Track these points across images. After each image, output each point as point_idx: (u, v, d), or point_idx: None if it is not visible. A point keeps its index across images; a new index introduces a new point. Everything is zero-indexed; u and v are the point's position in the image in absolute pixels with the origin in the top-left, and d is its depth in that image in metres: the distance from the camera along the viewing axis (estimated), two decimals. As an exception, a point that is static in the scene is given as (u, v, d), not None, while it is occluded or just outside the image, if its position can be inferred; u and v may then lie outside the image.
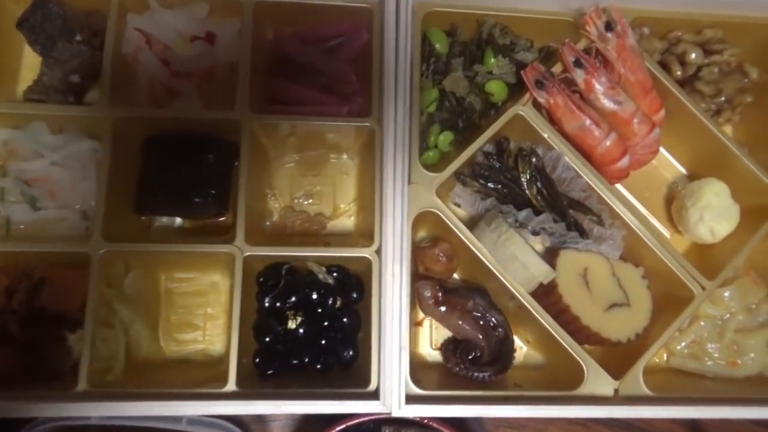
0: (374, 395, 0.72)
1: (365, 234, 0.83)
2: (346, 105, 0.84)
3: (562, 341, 0.76)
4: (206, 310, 0.83)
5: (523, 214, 0.78)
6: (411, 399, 0.72)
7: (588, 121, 0.78)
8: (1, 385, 0.72)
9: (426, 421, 0.74)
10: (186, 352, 0.82)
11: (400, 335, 0.72)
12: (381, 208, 0.76)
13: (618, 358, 0.79)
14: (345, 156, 0.88)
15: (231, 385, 0.71)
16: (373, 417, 0.75)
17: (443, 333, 0.84)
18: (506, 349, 0.80)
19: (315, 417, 0.84)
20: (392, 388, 0.71)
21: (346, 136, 0.84)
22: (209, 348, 0.82)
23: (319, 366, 0.78)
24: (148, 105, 0.83)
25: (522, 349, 0.85)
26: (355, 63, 0.86)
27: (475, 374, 0.77)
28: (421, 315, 0.84)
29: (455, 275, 0.85)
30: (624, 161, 0.80)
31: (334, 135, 0.84)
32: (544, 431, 0.87)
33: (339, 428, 0.74)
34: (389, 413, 0.71)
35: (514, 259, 0.76)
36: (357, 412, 0.71)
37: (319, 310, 0.78)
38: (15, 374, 0.73)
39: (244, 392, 0.71)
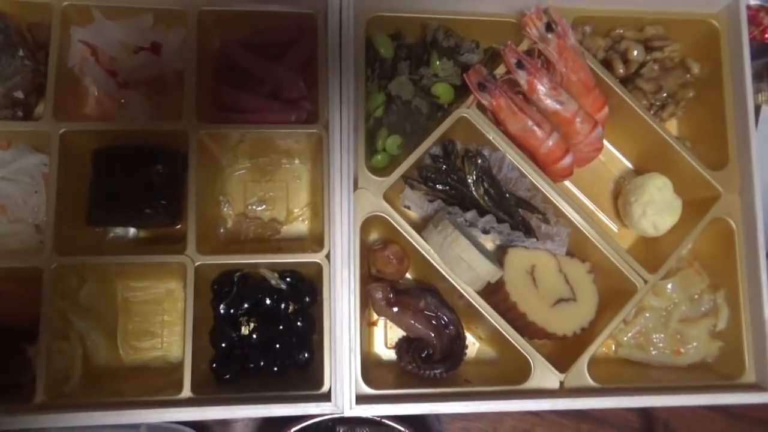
0: (326, 396, 0.74)
1: (318, 239, 0.84)
2: (294, 112, 0.85)
3: (509, 337, 0.78)
4: (163, 317, 0.84)
5: (469, 215, 0.80)
6: (362, 399, 0.74)
7: (530, 122, 0.80)
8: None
9: (380, 419, 0.77)
10: (145, 359, 0.83)
11: (350, 337, 0.74)
12: (329, 214, 0.78)
13: (566, 351, 0.81)
14: (297, 161, 0.89)
15: (186, 392, 0.73)
16: (328, 416, 0.77)
17: (398, 332, 0.86)
18: (458, 346, 0.82)
19: (275, 417, 0.86)
20: (343, 388, 0.73)
21: (297, 142, 0.85)
22: (168, 354, 0.84)
23: (275, 369, 0.80)
24: (96, 117, 0.83)
25: (475, 345, 0.87)
26: (302, 69, 0.87)
27: (427, 372, 0.80)
28: (375, 315, 0.86)
29: (408, 275, 0.87)
30: (567, 160, 0.82)
31: (284, 141, 0.85)
32: (499, 422, 0.90)
33: (296, 428, 0.77)
34: (341, 413, 0.73)
35: (459, 260, 0.78)
36: (310, 413, 0.73)
37: (273, 315, 0.80)
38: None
39: (199, 398, 0.73)
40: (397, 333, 0.86)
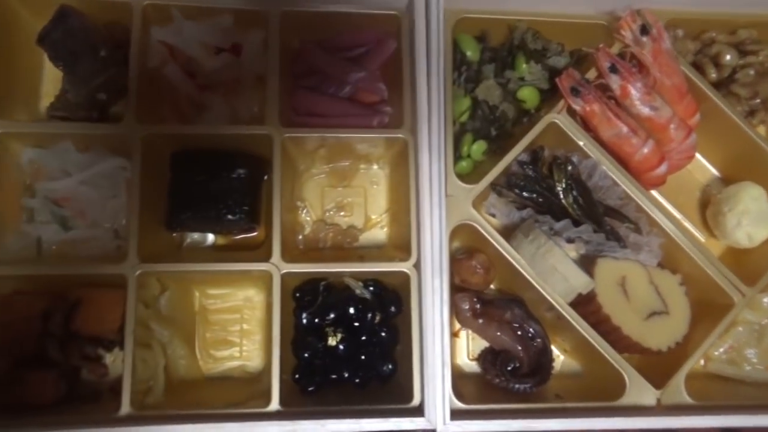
0: (418, 411, 0.72)
1: (399, 246, 0.82)
2: (376, 116, 0.82)
3: (603, 351, 0.75)
4: (242, 326, 0.82)
5: (561, 224, 0.77)
6: (455, 414, 0.71)
7: (625, 129, 0.77)
8: (46, 409, 0.72)
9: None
10: (223, 368, 0.81)
11: (443, 350, 0.72)
12: (418, 222, 0.75)
13: (656, 366, 0.78)
14: (375, 166, 0.87)
15: (274, 404, 0.71)
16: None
17: (480, 343, 0.84)
18: (545, 359, 0.80)
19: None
20: (436, 403, 0.71)
21: (377, 147, 0.83)
22: (246, 364, 0.82)
23: (357, 381, 0.78)
24: (173, 120, 0.81)
25: (559, 357, 0.85)
26: (382, 72, 0.85)
27: (516, 386, 0.77)
28: (457, 325, 0.83)
29: (491, 286, 0.85)
30: (662, 168, 0.79)
31: (363, 146, 0.83)
32: (580, 437, 0.87)
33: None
34: (434, 430, 0.71)
35: (554, 271, 0.75)
36: (402, 429, 0.71)
37: (358, 325, 0.77)
38: (57, 398, 0.73)
39: (289, 411, 0.71)
40: (479, 344, 0.84)
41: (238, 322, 0.82)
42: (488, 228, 0.77)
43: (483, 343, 0.83)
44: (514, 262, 0.76)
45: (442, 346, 0.72)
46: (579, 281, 0.76)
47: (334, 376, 0.78)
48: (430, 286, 0.73)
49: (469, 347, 0.85)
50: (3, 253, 0.76)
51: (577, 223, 0.78)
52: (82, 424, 0.68)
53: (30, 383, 0.72)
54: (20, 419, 0.70)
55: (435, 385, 0.71)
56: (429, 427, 0.71)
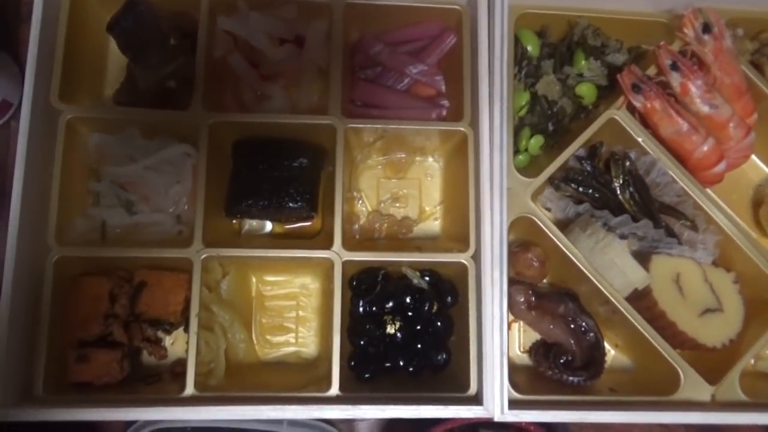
0: (475, 400, 0.73)
1: (453, 237, 0.83)
2: (434, 109, 0.84)
3: (658, 346, 0.76)
4: (297, 312, 0.84)
5: (619, 219, 0.78)
6: (511, 404, 0.72)
7: (686, 126, 0.78)
8: (110, 389, 0.74)
9: (523, 424, 0.75)
10: (279, 354, 0.83)
11: (501, 340, 0.72)
12: (477, 213, 0.76)
13: (708, 363, 0.79)
14: (430, 158, 0.88)
15: (335, 389, 0.72)
16: (464, 422, 0.75)
17: (531, 336, 0.85)
18: (598, 354, 0.80)
19: (402, 420, 0.85)
20: (494, 392, 0.72)
21: (433, 139, 0.84)
22: (302, 351, 0.83)
23: (411, 369, 0.79)
24: (234, 108, 0.83)
25: (610, 353, 0.85)
26: (440, 66, 0.85)
27: (569, 378, 0.78)
28: (509, 318, 0.84)
29: (543, 280, 0.86)
30: (720, 166, 0.80)
31: (419, 138, 0.84)
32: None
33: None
34: (491, 418, 0.72)
35: (612, 265, 0.76)
36: (460, 416, 0.72)
37: (414, 315, 0.78)
38: (121, 377, 0.74)
39: (348, 396, 0.72)
40: (530, 337, 0.85)
41: (294, 308, 0.84)
42: (546, 221, 0.77)
43: (534, 336, 0.84)
44: (571, 256, 0.77)
45: (501, 337, 0.72)
46: (637, 276, 0.76)
47: (388, 365, 0.79)
48: (489, 277, 0.74)
49: (520, 340, 0.85)
50: (70, 235, 0.77)
51: (634, 219, 0.78)
52: (150, 404, 0.70)
53: (96, 362, 0.73)
54: (89, 397, 0.73)
55: (493, 375, 0.72)
56: (486, 415, 0.72)
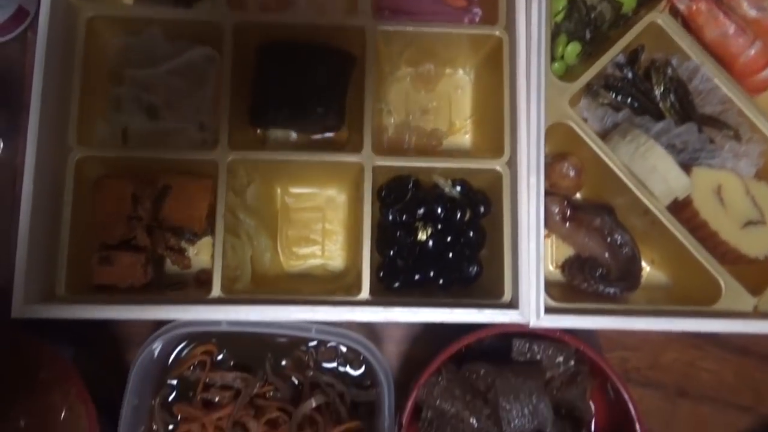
0: (510, 306, 0.71)
1: (485, 150, 0.80)
2: (466, 15, 0.81)
3: (698, 256, 0.73)
4: (323, 225, 0.81)
5: (661, 125, 0.75)
6: (547, 311, 0.70)
7: (733, 28, 0.75)
8: (136, 293, 0.72)
9: (558, 334, 0.73)
10: (305, 267, 0.81)
11: (538, 244, 0.70)
12: (512, 119, 0.74)
13: (749, 275, 0.76)
14: (461, 71, 0.85)
15: (365, 294, 0.70)
16: (497, 331, 0.73)
17: (564, 252, 0.82)
18: (634, 267, 0.78)
19: (430, 335, 0.83)
20: (530, 298, 0.69)
21: (464, 47, 0.81)
22: (328, 263, 0.81)
23: (441, 282, 0.77)
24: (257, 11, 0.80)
25: (645, 269, 0.82)
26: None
27: (606, 289, 0.75)
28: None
29: (577, 194, 0.83)
30: (767, 72, 0.77)
31: (451, 47, 0.81)
32: (660, 354, 0.86)
33: (464, 343, 0.73)
34: (527, 323, 0.70)
35: (653, 171, 0.73)
36: (494, 321, 0.70)
37: (446, 224, 0.76)
38: (145, 282, 0.72)
39: (379, 300, 0.70)
40: (563, 253, 0.82)
41: (320, 221, 0.81)
42: (584, 126, 0.74)
43: (567, 252, 0.82)
44: (610, 163, 0.74)
45: (537, 241, 0.70)
46: (679, 182, 0.73)
47: (417, 277, 0.77)
48: (525, 182, 0.71)
49: (553, 255, 0.83)
50: (91, 141, 0.75)
51: (676, 124, 0.75)
52: (176, 303, 0.68)
53: (119, 264, 0.71)
54: (117, 298, 0.71)
55: (529, 280, 0.70)
56: (522, 321, 0.70)
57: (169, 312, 0.67)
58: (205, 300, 0.69)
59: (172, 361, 0.76)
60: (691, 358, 0.86)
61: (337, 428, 0.71)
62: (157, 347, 0.70)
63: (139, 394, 0.72)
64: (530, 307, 0.69)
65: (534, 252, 0.70)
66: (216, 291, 0.69)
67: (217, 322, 0.70)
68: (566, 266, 0.80)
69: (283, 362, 0.77)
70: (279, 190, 0.82)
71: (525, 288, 0.70)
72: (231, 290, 0.71)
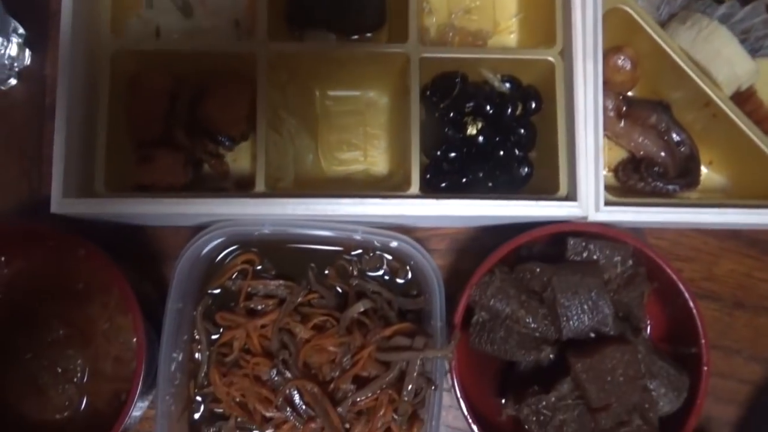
0: (567, 200, 0.67)
1: (531, 48, 0.77)
2: None
3: (765, 149, 0.70)
4: (365, 129, 0.78)
5: (723, 10, 0.71)
6: (607, 204, 0.67)
7: None
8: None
9: (615, 233, 0.70)
10: (348, 172, 0.78)
11: (597, 133, 0.66)
12: (564, 6, 0.70)
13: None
14: (505, -34, 0.81)
15: (414, 188, 0.67)
16: (553, 231, 0.70)
17: (616, 155, 0.79)
18: (693, 164, 0.74)
19: (477, 246, 0.80)
20: (588, 190, 0.66)
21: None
22: (371, 168, 0.78)
23: (490, 184, 0.74)
24: None
25: (703, 171, 0.78)
26: None
27: (665, 186, 0.72)
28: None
29: (629, 92, 0.79)
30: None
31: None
32: (714, 264, 0.82)
33: (517, 243, 0.70)
34: (585, 217, 0.67)
35: (716, 56, 0.69)
36: (550, 216, 0.67)
37: (496, 122, 0.72)
38: (186, 181, 0.70)
39: (429, 194, 0.67)
40: (616, 156, 0.79)
41: (361, 125, 0.78)
42: (641, 11, 0.70)
43: (620, 156, 0.78)
44: (669, 51, 0.70)
45: (596, 129, 0.67)
46: (744, 67, 0.69)
47: (465, 180, 0.74)
48: (581, 70, 0.68)
49: (605, 158, 0.79)
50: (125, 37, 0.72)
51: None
52: (219, 197, 0.65)
53: (158, 163, 0.69)
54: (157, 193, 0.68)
55: (587, 172, 0.66)
56: (579, 214, 0.67)
57: (211, 206, 0.64)
58: (249, 194, 0.66)
59: (214, 271, 0.74)
60: (748, 268, 0.82)
61: (388, 329, 0.68)
62: (199, 246, 0.68)
63: (182, 298, 0.69)
64: (589, 200, 0.66)
65: (592, 141, 0.66)
66: (260, 186, 0.66)
67: (261, 222, 0.68)
68: (620, 168, 0.77)
69: (326, 271, 0.75)
70: (318, 94, 0.78)
71: (583, 180, 0.66)
72: (275, 188, 0.68)
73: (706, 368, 0.68)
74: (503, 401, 0.72)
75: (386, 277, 0.75)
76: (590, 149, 0.66)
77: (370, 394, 0.66)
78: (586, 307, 0.67)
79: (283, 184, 0.70)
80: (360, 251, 0.75)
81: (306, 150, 0.73)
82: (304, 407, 0.67)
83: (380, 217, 0.67)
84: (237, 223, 0.68)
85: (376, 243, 0.74)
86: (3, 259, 0.72)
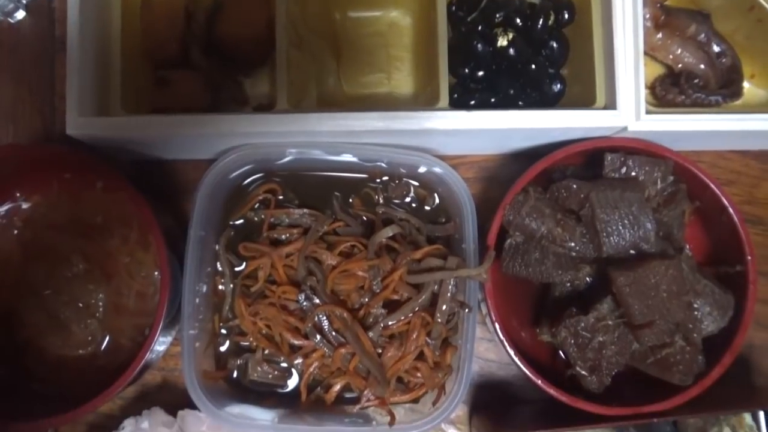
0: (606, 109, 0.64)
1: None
2: None
3: (814, 52, 0.66)
4: (388, 51, 0.75)
5: None
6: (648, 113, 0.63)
7: None
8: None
9: (654, 147, 0.66)
10: (371, 95, 0.74)
11: (636, 39, 0.62)
12: None
13: None
14: None
15: (444, 102, 0.64)
16: (589, 147, 0.66)
17: (653, 71, 0.74)
18: (735, 75, 0.71)
19: (506, 172, 0.77)
20: (628, 98, 0.63)
21: None
22: (395, 91, 0.75)
23: (521, 102, 0.70)
24: None
25: (744, 86, 0.75)
26: None
27: (707, 97, 0.68)
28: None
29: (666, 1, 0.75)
30: None
31: None
32: (755, 186, 0.79)
33: (553, 160, 0.66)
34: (625, 126, 0.63)
35: (762, -47, 0.65)
36: (589, 126, 0.63)
37: (526, 36, 0.69)
38: (205, 104, 0.67)
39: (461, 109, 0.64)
40: (651, 72, 0.74)
41: (384, 47, 0.75)
42: None
43: (657, 72, 0.74)
44: (711, -49, 0.66)
45: (635, 35, 0.63)
46: (793, -35, 0.65)
47: (493, 100, 0.70)
48: (618, -29, 0.64)
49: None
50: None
51: None
52: (241, 113, 0.63)
53: (177, 85, 0.66)
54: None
55: (626, 79, 0.63)
56: (619, 123, 0.63)
57: (232, 124, 0.61)
58: (272, 110, 0.63)
59: (236, 201, 0.71)
60: (791, 190, 0.79)
61: (419, 251, 0.65)
62: (222, 169, 0.65)
63: (204, 226, 0.67)
64: (628, 107, 0.63)
65: (632, 46, 0.63)
66: (282, 104, 0.63)
67: (284, 145, 0.65)
68: (657, 83, 0.73)
69: (351, 200, 0.72)
70: (338, 16, 0.75)
71: (622, 87, 0.62)
72: (297, 106, 0.65)
73: (752, 285, 0.65)
74: (538, 330, 0.70)
75: (413, 205, 0.73)
76: (629, 55, 0.62)
77: (402, 318, 0.64)
78: (626, 221, 0.63)
79: (305, 105, 0.67)
80: (386, 178, 0.73)
81: (327, 73, 0.70)
82: (333, 334, 0.65)
83: (408, 134, 0.63)
84: (261, 146, 0.65)
85: (402, 170, 0.72)
86: (19, 193, 0.70)
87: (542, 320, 0.70)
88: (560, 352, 0.71)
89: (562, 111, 0.62)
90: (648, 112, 0.63)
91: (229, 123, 0.61)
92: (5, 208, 0.69)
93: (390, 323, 0.64)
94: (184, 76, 0.66)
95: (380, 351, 0.64)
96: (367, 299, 0.65)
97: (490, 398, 0.76)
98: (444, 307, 0.64)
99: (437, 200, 0.72)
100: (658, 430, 0.69)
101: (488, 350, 0.76)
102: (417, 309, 0.64)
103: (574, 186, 0.65)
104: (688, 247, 0.70)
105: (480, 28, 0.68)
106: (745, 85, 0.74)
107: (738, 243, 0.66)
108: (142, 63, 0.68)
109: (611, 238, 0.63)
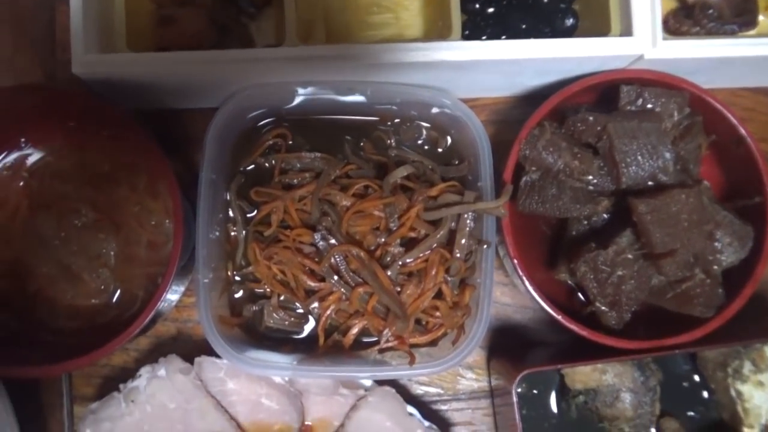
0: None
1: None
2: None
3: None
4: (395, -8, 0.74)
5: None
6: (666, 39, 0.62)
7: None
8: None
9: (670, 79, 0.65)
10: (379, 36, 0.72)
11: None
12: None
13: None
14: None
15: (456, 34, 0.63)
16: (605, 79, 0.65)
17: (665, 6, 0.73)
18: (749, 4, 0.69)
19: (519, 113, 0.76)
20: (644, 24, 0.61)
21: None
22: (404, 33, 0.72)
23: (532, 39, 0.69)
24: None
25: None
26: None
27: (724, 26, 0.67)
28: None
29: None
30: None
31: None
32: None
33: (569, 93, 0.65)
34: (641, 55, 0.62)
35: None
36: (604, 55, 0.62)
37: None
38: (211, 42, 0.65)
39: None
40: (664, 6, 0.73)
41: (392, -11, 0.73)
42: None
43: (667, 7, 0.73)
44: None
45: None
46: None
47: (505, 36, 0.69)
48: None
49: (653, 9, 0.75)
50: None
51: None
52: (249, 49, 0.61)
53: (181, 22, 0.64)
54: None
55: (643, 3, 0.61)
56: (635, 51, 0.62)
57: (240, 59, 0.60)
58: (280, 45, 0.62)
59: (246, 146, 0.70)
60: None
61: (435, 188, 0.64)
62: (232, 108, 0.64)
63: (215, 169, 0.66)
64: (645, 34, 0.61)
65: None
66: (290, 40, 0.62)
67: (294, 82, 0.64)
68: (670, 17, 0.71)
69: (362, 143, 0.71)
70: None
71: (638, 13, 0.61)
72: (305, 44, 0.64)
73: (772, 215, 0.65)
74: (555, 270, 0.69)
75: (426, 147, 0.72)
76: (644, -19, 0.61)
77: (420, 255, 0.63)
78: (645, 151, 0.63)
79: (313, 42, 0.66)
80: (397, 121, 0.71)
81: (335, 13, 0.69)
82: (351, 274, 0.64)
83: (419, 68, 0.62)
84: (268, 85, 0.64)
85: (413, 112, 0.71)
86: (24, 140, 0.69)
87: (560, 260, 0.69)
88: (578, 294, 0.70)
89: (577, 39, 0.61)
90: (664, 39, 0.62)
91: (236, 58, 0.60)
92: (11, 157, 0.68)
93: (408, 260, 0.63)
94: (188, 14, 0.64)
95: (399, 289, 0.64)
96: (383, 239, 0.64)
97: (508, 342, 0.75)
98: (462, 241, 0.63)
99: (449, 142, 0.71)
100: (678, 367, 0.69)
101: (504, 294, 0.76)
102: (435, 245, 0.63)
103: (591, 118, 0.64)
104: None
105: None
106: (760, 18, 0.73)
107: (756, 174, 0.65)
108: (146, 1, 0.66)
109: (630, 168, 0.63)
